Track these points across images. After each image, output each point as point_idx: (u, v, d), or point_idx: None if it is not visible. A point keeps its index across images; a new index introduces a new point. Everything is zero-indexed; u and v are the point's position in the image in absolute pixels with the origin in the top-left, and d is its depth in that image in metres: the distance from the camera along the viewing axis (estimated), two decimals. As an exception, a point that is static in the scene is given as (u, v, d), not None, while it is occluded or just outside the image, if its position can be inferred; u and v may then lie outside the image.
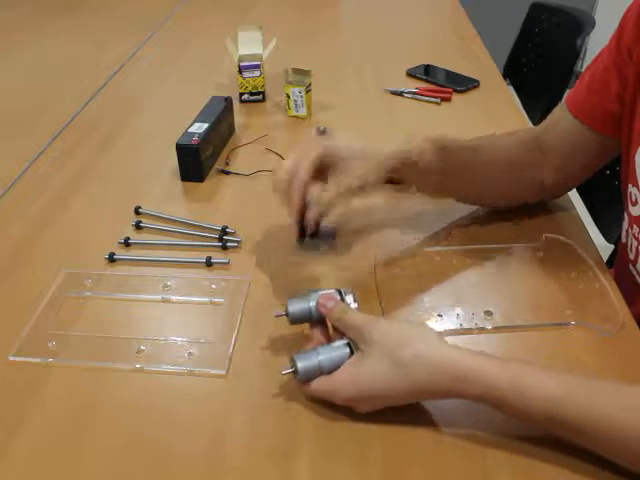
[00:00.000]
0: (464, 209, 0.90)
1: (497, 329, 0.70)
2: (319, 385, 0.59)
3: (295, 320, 0.64)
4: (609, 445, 0.53)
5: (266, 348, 0.68)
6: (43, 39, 1.68)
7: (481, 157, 0.82)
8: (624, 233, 0.81)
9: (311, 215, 0.72)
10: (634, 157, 0.74)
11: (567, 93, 0.84)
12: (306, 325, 0.66)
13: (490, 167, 0.83)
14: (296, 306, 0.63)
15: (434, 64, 1.41)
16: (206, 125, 1.00)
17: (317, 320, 0.64)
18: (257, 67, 1.23)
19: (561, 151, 0.83)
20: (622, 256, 0.83)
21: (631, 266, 0.80)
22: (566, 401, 0.53)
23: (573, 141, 0.82)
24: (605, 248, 1.15)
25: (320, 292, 0.64)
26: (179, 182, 0.99)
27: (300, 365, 0.59)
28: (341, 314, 0.61)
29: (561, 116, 0.83)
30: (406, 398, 0.58)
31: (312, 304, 0.63)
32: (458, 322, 0.71)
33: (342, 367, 0.59)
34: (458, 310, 0.72)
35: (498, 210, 0.89)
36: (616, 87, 0.76)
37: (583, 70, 0.82)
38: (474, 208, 0.89)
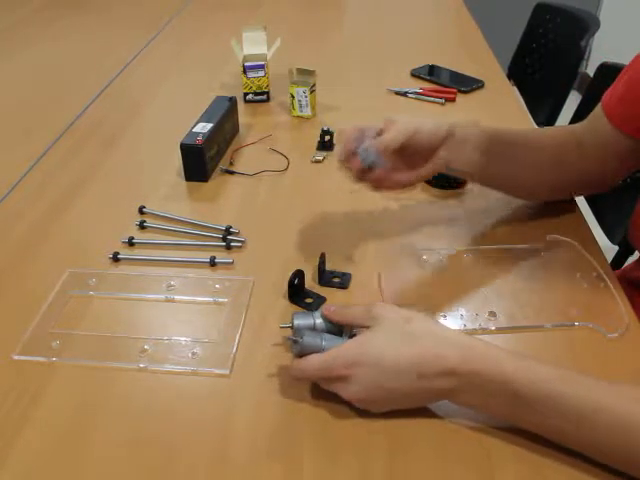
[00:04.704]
0: (467, 211, 0.90)
1: (501, 330, 0.70)
2: (318, 357, 0.59)
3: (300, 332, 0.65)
4: (608, 438, 0.52)
5: (270, 348, 0.68)
6: (47, 39, 1.68)
7: (518, 147, 0.81)
8: None
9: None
10: None
11: (605, 93, 0.81)
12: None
13: (526, 157, 0.82)
14: (301, 320, 0.65)
15: (438, 64, 1.41)
16: (210, 125, 1.00)
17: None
18: (261, 67, 1.23)
19: (596, 152, 0.81)
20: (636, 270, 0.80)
21: None
22: (568, 386, 0.53)
23: (606, 143, 0.80)
24: (609, 249, 1.14)
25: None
26: (183, 182, 0.99)
27: (305, 338, 0.61)
28: (346, 310, 0.63)
29: (598, 117, 0.81)
30: (408, 377, 0.56)
31: (317, 321, 0.64)
32: (462, 322, 0.71)
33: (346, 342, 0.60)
34: (462, 311, 0.72)
35: (502, 211, 0.88)
36: None
37: (624, 68, 0.79)
38: (477, 210, 0.89)
